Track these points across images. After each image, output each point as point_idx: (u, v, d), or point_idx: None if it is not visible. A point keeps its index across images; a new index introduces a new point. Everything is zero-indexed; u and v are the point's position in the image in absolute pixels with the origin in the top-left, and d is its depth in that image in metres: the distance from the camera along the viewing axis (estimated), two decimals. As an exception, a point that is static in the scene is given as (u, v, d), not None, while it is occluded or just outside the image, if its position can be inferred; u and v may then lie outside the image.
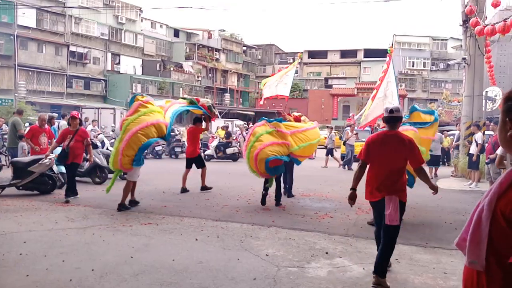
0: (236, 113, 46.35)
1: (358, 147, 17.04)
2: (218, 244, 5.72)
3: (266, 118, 9.22)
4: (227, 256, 5.23)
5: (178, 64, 47.16)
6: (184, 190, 10.17)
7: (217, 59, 52.05)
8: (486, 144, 11.85)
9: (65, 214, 7.36)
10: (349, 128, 17.98)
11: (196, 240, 5.88)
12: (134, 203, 8.42)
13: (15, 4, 32.64)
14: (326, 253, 5.45)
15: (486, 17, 13.68)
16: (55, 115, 12.34)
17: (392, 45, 52.77)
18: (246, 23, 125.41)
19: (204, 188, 10.48)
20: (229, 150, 19.79)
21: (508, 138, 1.51)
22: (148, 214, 7.50)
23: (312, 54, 61.11)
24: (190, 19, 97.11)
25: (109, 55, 41.76)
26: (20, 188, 9.16)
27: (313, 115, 45.57)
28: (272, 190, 8.85)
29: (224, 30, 55.62)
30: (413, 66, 52.87)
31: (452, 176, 14.89)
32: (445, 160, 18.91)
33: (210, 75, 51.29)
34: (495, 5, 12.29)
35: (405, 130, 7.13)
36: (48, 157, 9.24)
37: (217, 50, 52.46)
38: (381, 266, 4.35)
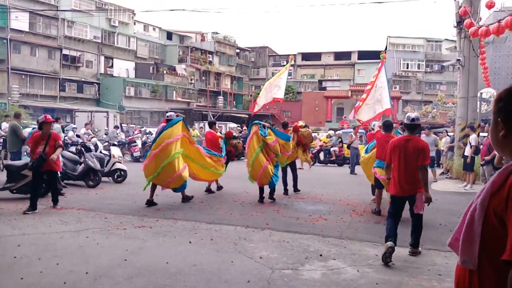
0: (229, 116, 46.32)
1: (362, 150, 16.84)
2: (212, 247, 5.70)
3: (258, 122, 9.62)
4: (221, 258, 5.21)
5: (171, 67, 47.11)
6: (209, 190, 10.67)
7: (210, 62, 52.02)
8: (481, 146, 11.92)
9: (59, 217, 7.32)
10: (353, 130, 17.29)
11: (189, 243, 5.86)
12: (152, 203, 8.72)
13: (8, 8, 32.49)
14: (320, 255, 5.45)
15: (481, 18, 13.75)
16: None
17: (386, 47, 53.03)
18: (239, 25, 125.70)
19: (209, 191, 10.74)
20: None
21: (500, 138, 1.52)
22: (141, 217, 7.47)
23: (305, 56, 61.24)
24: (183, 22, 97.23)
25: (102, 58, 41.63)
26: (14, 191, 9.09)
27: (307, 118, 45.64)
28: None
29: (217, 33, 55.63)
30: (407, 68, 53.05)
31: (447, 178, 14.94)
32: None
33: (203, 78, 51.23)
34: (490, 6, 12.36)
35: None
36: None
37: (210, 52, 52.43)
38: (416, 240, 5.71)
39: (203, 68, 50.53)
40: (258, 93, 48.05)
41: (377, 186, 8.57)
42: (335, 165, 20.24)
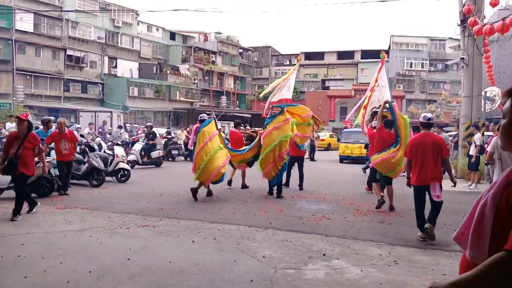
0: (232, 115, 46.33)
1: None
2: (215, 246, 5.70)
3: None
4: (224, 258, 5.21)
5: (175, 67, 47.18)
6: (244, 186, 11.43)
7: (213, 62, 52.05)
8: (486, 145, 11.84)
9: (63, 216, 7.34)
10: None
11: (193, 242, 5.86)
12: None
13: (13, 9, 32.64)
14: (324, 255, 5.43)
15: (485, 17, 13.65)
16: (52, 118, 12.31)
17: (390, 46, 52.87)
18: (242, 25, 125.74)
19: (244, 186, 11.48)
20: (154, 154, 16.90)
21: None
22: (145, 217, 7.47)
23: (309, 55, 61.18)
24: (186, 22, 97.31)
25: (106, 58, 41.76)
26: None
27: (311, 117, 45.58)
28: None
29: (220, 33, 55.67)
30: (411, 67, 52.89)
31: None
32: None
33: (206, 77, 51.28)
34: (494, 4, 12.24)
35: None
36: (46, 161, 9.22)
37: (213, 52, 52.46)
38: (434, 218, 6.32)
39: (206, 68, 50.57)
40: (261, 93, 47.98)
41: (385, 182, 9.05)
42: None
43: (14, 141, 7.41)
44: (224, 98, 50.69)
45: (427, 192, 6.39)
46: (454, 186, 6.72)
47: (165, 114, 44.09)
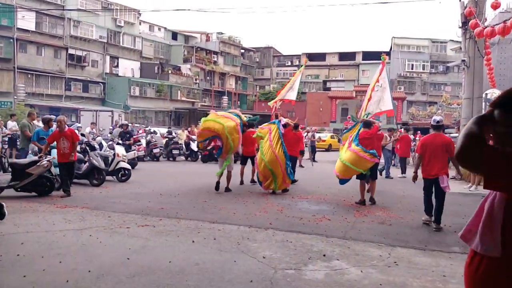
0: (234, 115, 46.32)
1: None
2: (215, 246, 5.69)
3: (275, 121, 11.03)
4: (224, 258, 5.20)
5: (176, 67, 47.21)
6: (241, 182, 12.09)
7: (215, 62, 52.09)
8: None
9: (63, 215, 7.33)
10: (387, 132, 15.90)
11: (193, 242, 5.85)
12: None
13: (15, 7, 32.68)
14: (324, 255, 5.42)
15: (486, 19, 13.65)
16: (53, 117, 12.30)
17: (391, 47, 52.90)
18: (244, 26, 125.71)
19: (253, 181, 12.17)
20: (129, 155, 15.13)
21: None
22: (145, 216, 7.47)
23: (310, 56, 61.14)
24: (188, 22, 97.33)
25: (108, 58, 41.79)
26: (19, 189, 9.11)
27: (312, 118, 45.65)
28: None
29: (222, 33, 55.72)
30: (412, 68, 52.90)
31: (451, 178, 14.83)
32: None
33: (208, 77, 51.31)
34: (495, 6, 12.26)
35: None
36: (46, 159, 9.24)
37: (215, 53, 52.50)
38: (439, 217, 7.18)
39: (208, 68, 50.61)
40: (262, 93, 47.87)
41: (371, 177, 9.71)
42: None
43: None
44: (225, 98, 50.70)
45: (433, 185, 7.39)
46: (461, 178, 7.96)
47: (166, 114, 44.10)
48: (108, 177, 11.76)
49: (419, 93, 53.10)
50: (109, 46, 41.70)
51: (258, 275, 4.62)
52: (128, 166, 12.30)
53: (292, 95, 13.92)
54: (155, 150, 19.69)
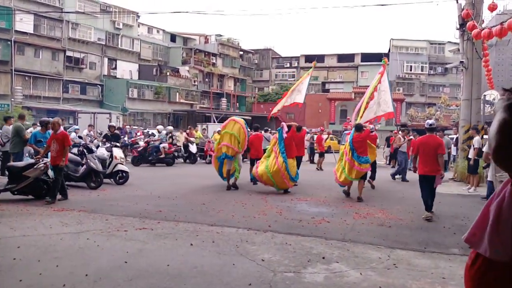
0: (233, 117, 46.31)
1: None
2: (213, 249, 5.65)
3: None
4: (222, 261, 5.16)
5: (175, 68, 47.19)
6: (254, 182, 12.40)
7: (213, 64, 52.08)
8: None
9: (60, 219, 7.28)
10: (400, 133, 15.83)
11: (191, 245, 5.81)
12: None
13: (13, 10, 32.64)
14: (323, 258, 5.39)
15: (483, 21, 13.67)
16: (51, 119, 12.24)
17: (390, 49, 52.98)
18: (243, 28, 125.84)
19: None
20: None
21: None
22: (143, 219, 7.42)
23: (309, 58, 61.21)
24: (187, 24, 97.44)
25: (106, 60, 41.75)
26: (15, 193, 9.07)
27: (310, 120, 45.64)
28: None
29: (220, 35, 55.70)
30: (410, 70, 52.98)
31: (449, 179, 14.82)
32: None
33: (206, 79, 51.31)
34: (492, 8, 12.29)
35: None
36: (43, 162, 9.18)
37: (214, 54, 52.49)
38: (431, 206, 8.20)
39: (207, 70, 50.60)
40: (261, 95, 47.91)
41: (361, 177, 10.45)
42: (164, 164, 18.50)
43: None
44: (224, 100, 50.72)
45: (427, 181, 8.22)
46: (442, 177, 8.41)
47: (164, 116, 44.06)
48: (105, 180, 11.70)
49: (418, 95, 53.18)
50: (107, 48, 41.68)
51: (257, 278, 4.58)
52: (126, 169, 12.25)
53: (300, 98, 14.01)
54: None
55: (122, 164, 12.23)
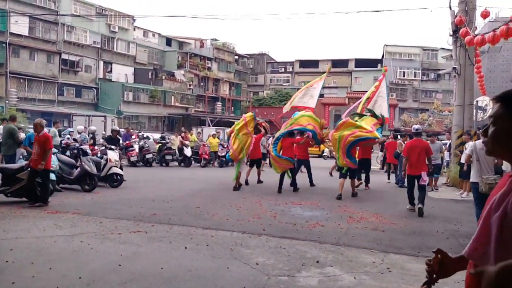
0: (227, 121, 46.34)
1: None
2: (208, 253, 5.65)
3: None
4: (217, 264, 5.16)
5: (170, 72, 47.18)
6: (246, 182, 13.28)
7: (209, 68, 52.12)
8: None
9: (53, 221, 7.25)
10: (401, 138, 15.59)
11: (185, 248, 5.81)
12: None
13: (8, 12, 32.53)
14: (317, 262, 5.41)
15: (476, 28, 13.78)
16: (45, 121, 12.17)
17: (383, 55, 53.28)
18: (238, 32, 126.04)
19: (259, 181, 13.73)
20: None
21: None
22: (137, 222, 7.41)
23: (303, 63, 61.44)
24: (183, 28, 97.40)
25: (101, 63, 41.68)
26: (9, 195, 9.01)
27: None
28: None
29: (216, 39, 55.79)
30: (403, 76, 53.31)
31: (442, 183, 14.89)
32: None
33: (202, 83, 51.32)
34: (485, 15, 12.44)
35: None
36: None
37: (209, 59, 52.55)
38: (423, 201, 9.09)
39: (202, 74, 50.63)
40: (256, 99, 47.91)
41: (350, 176, 11.51)
42: None
43: None
44: (219, 104, 50.72)
45: (416, 180, 9.29)
46: (431, 173, 10.18)
47: (159, 119, 44.01)
48: (99, 183, 11.65)
49: (411, 100, 53.50)
50: (103, 52, 41.62)
51: (251, 282, 4.59)
52: (121, 172, 12.21)
53: (312, 103, 14.06)
54: (147, 156, 19.59)
55: (117, 167, 12.19)
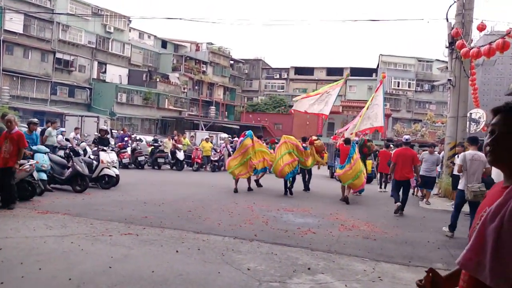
0: (221, 126, 46.34)
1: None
2: (199, 257, 5.62)
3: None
4: (208, 269, 5.14)
5: (165, 75, 47.10)
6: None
7: (204, 72, 52.10)
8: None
9: (44, 221, 7.18)
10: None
11: (176, 252, 5.78)
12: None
13: (3, 9, 32.35)
14: (309, 269, 5.40)
15: (472, 40, 13.90)
16: (36, 120, 12.09)
17: (378, 65, 53.60)
18: (234, 37, 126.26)
19: (259, 185, 14.20)
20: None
21: None
22: (128, 225, 7.36)
23: (298, 70, 61.64)
24: (178, 31, 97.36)
25: (96, 63, 41.53)
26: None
27: (298, 131, 45.67)
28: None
29: (212, 43, 55.84)
30: (398, 86, 53.63)
31: (434, 194, 14.94)
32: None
33: (196, 87, 51.28)
34: (481, 28, 12.54)
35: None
36: (28, 163, 9.07)
37: (204, 62, 52.55)
38: (405, 204, 10.39)
39: (197, 77, 50.60)
40: (250, 105, 47.94)
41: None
42: None
43: None
44: (213, 108, 50.70)
45: (402, 185, 10.37)
46: (418, 182, 11.94)
47: (152, 122, 43.88)
48: (91, 184, 11.58)
49: (404, 110, 53.80)
50: (98, 52, 41.47)
51: (242, 287, 4.57)
52: (113, 173, 12.14)
53: (326, 110, 14.13)
54: (140, 158, 19.52)
55: (109, 168, 12.12)
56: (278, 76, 63.67)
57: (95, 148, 13.07)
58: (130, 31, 46.03)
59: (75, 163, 10.96)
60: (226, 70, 56.50)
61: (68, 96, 38.79)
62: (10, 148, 8.20)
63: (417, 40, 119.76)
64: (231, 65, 59.55)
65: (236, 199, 11.39)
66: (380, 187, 15.90)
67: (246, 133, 13.25)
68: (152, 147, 20.87)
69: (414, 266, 5.87)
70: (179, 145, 20.94)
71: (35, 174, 9.42)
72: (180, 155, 20.34)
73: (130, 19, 44.71)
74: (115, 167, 12.49)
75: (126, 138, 20.82)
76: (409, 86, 53.77)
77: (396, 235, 7.90)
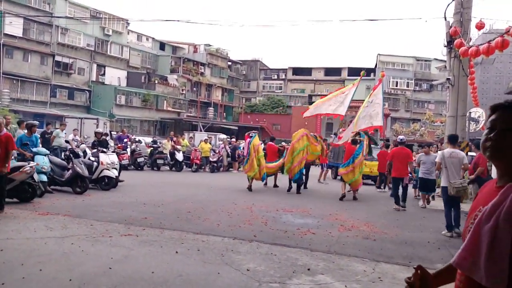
0: (219, 127, 46.35)
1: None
2: (199, 258, 5.63)
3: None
4: (208, 270, 5.15)
5: (163, 77, 47.11)
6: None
7: (202, 73, 52.12)
8: (469, 165, 11.90)
9: (44, 223, 7.19)
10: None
11: (176, 253, 5.79)
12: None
13: (2, 13, 32.37)
14: (308, 269, 5.41)
15: (471, 39, 13.90)
16: (36, 123, 12.11)
17: (376, 64, 53.61)
18: (232, 38, 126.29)
19: (275, 185, 15.05)
20: None
21: None
22: (128, 226, 7.37)
23: (296, 71, 61.65)
24: (176, 33, 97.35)
25: (94, 66, 41.56)
26: None
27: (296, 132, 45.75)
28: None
29: (210, 45, 55.84)
30: (396, 85, 53.61)
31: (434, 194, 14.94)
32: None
33: (194, 88, 51.30)
34: (480, 27, 12.53)
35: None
36: (29, 165, 9.08)
37: (202, 64, 52.57)
38: (405, 200, 11.37)
39: (195, 79, 50.62)
40: (248, 106, 47.90)
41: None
42: None
43: None
44: (211, 109, 50.73)
45: (400, 182, 11.27)
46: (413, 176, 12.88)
47: (151, 123, 43.89)
48: (91, 185, 11.59)
49: (403, 110, 53.79)
50: (96, 54, 41.50)
51: (242, 288, 4.58)
52: (113, 175, 12.16)
53: (342, 110, 14.12)
54: (139, 159, 19.52)
55: (109, 170, 12.13)
56: (276, 77, 63.67)
57: (95, 150, 13.07)
58: (128, 33, 46.06)
59: (75, 165, 10.98)
60: (224, 71, 56.53)
61: (67, 99, 38.83)
62: None
63: (415, 39, 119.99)
64: (229, 66, 59.58)
65: (235, 199, 11.40)
66: (379, 187, 15.93)
67: (250, 134, 14.02)
68: (151, 148, 20.88)
69: (414, 267, 5.87)
70: (178, 146, 20.96)
71: (35, 176, 9.43)
72: (179, 156, 20.36)
73: (128, 22, 44.78)
74: (115, 168, 12.51)
75: (125, 140, 20.82)
76: (407, 86, 53.74)
77: (396, 236, 7.92)
